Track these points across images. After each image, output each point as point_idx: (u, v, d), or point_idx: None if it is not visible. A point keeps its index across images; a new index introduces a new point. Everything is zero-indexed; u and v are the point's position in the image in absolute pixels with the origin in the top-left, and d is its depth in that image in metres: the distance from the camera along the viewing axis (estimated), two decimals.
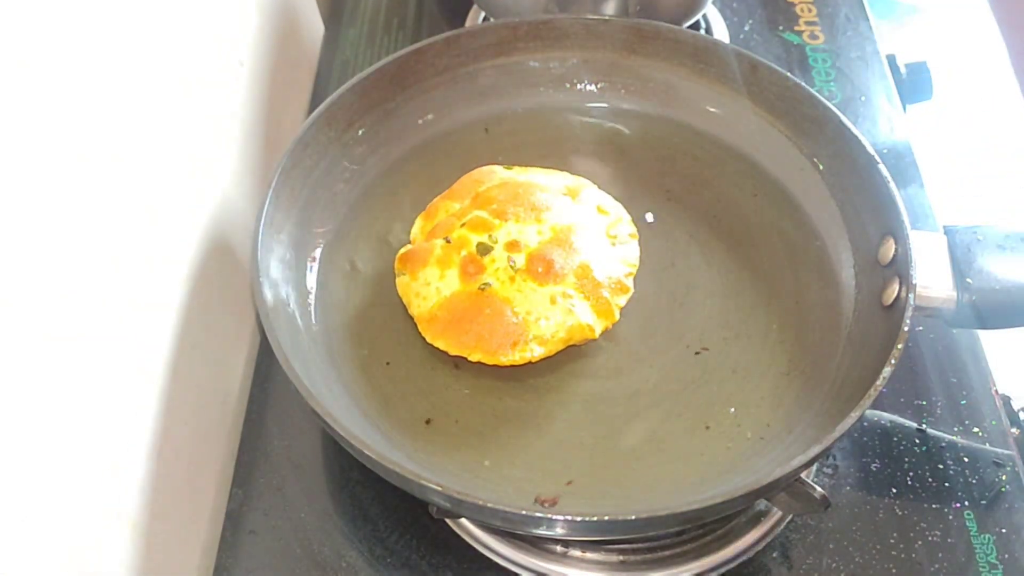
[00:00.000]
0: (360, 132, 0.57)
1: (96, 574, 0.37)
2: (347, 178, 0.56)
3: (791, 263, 0.53)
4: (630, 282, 0.50)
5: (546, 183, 0.54)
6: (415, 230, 0.54)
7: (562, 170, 0.56)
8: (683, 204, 0.57)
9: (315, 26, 0.76)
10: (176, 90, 0.47)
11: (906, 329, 0.43)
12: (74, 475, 0.36)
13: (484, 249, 0.49)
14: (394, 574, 0.47)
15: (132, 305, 0.41)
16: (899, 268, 0.46)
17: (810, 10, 0.76)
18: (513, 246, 0.49)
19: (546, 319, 0.47)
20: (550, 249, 0.49)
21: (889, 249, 0.48)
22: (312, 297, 0.51)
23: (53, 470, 0.34)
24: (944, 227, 0.49)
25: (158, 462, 0.43)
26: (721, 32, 0.73)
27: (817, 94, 0.54)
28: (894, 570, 0.46)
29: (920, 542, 0.47)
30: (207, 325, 0.50)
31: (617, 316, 0.49)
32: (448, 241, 0.50)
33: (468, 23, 0.73)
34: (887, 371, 0.41)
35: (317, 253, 0.53)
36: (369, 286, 0.53)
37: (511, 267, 0.49)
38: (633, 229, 0.53)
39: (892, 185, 0.49)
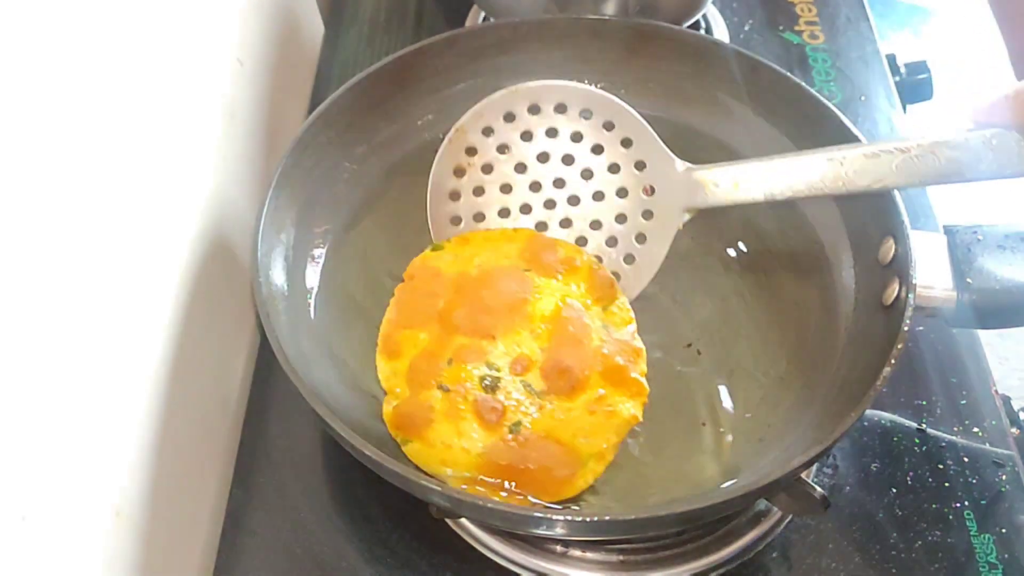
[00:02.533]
0: (360, 132, 0.56)
1: (96, 574, 0.37)
2: (347, 178, 0.56)
3: (791, 263, 0.53)
4: (639, 342, 0.47)
5: (500, 263, 0.47)
6: (385, 376, 0.46)
7: None
8: None
9: (315, 26, 0.76)
10: (176, 90, 0.47)
11: (906, 329, 0.43)
12: (74, 475, 0.36)
13: (492, 384, 0.43)
14: (394, 574, 0.47)
15: (132, 305, 0.41)
16: (899, 268, 0.46)
17: (810, 10, 0.76)
18: (519, 365, 0.44)
19: (593, 434, 0.43)
20: (559, 353, 0.44)
21: (889, 249, 0.48)
22: (312, 296, 0.51)
23: (53, 470, 0.34)
24: (944, 227, 0.49)
25: (158, 462, 0.43)
26: (721, 32, 0.73)
27: (818, 95, 0.54)
28: (894, 570, 0.46)
29: (920, 542, 0.47)
30: (207, 325, 0.50)
31: (647, 386, 0.45)
32: (445, 389, 0.44)
33: (468, 23, 0.73)
34: (887, 371, 0.41)
35: (317, 253, 0.53)
36: (369, 285, 0.53)
37: (530, 393, 0.43)
38: (596, 264, 0.48)
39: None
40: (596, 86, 0.62)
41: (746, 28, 0.74)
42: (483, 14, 0.73)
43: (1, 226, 0.31)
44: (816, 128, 0.54)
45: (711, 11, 0.74)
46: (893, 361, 0.42)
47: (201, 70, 0.51)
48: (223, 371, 0.53)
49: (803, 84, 0.55)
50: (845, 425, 0.40)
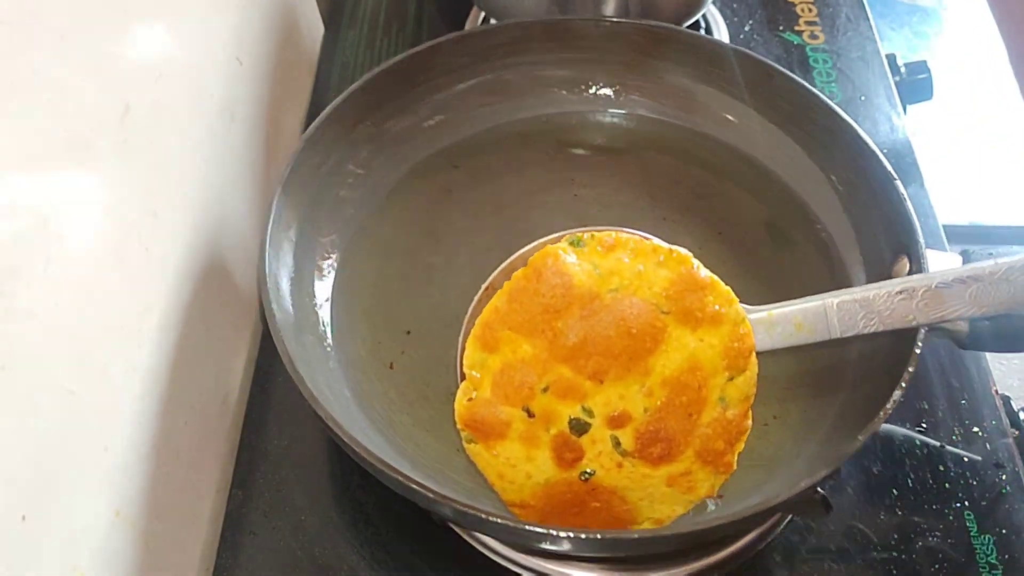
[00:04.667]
0: (367, 131, 0.56)
1: (96, 574, 0.37)
2: (351, 183, 0.55)
3: (800, 278, 0.52)
4: (749, 418, 0.42)
5: (640, 303, 0.41)
6: (471, 363, 0.42)
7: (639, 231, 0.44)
8: (694, 212, 0.55)
9: (315, 26, 0.76)
10: (174, 89, 0.47)
11: (918, 352, 0.42)
12: (74, 475, 0.36)
13: (580, 428, 0.41)
14: (394, 574, 0.47)
15: (132, 305, 0.41)
16: None
17: (810, 10, 0.76)
18: (616, 421, 0.41)
19: (661, 502, 0.40)
20: (662, 422, 0.40)
21: (903, 268, 0.46)
22: (318, 302, 0.51)
23: (53, 470, 0.34)
24: (960, 249, 0.47)
25: (158, 462, 0.43)
26: (721, 32, 0.73)
27: (833, 105, 0.52)
28: (894, 570, 0.46)
29: (920, 542, 0.47)
30: (208, 325, 0.50)
31: (736, 465, 0.42)
32: (530, 415, 0.41)
33: (468, 25, 0.73)
34: (897, 395, 0.40)
35: (323, 260, 0.52)
36: (373, 292, 0.52)
37: (617, 451, 0.41)
38: (742, 320, 0.43)
39: (908, 203, 0.47)
40: (609, 89, 0.60)
41: (746, 28, 0.74)
42: (483, 15, 0.73)
43: (1, 227, 0.32)
44: (830, 138, 0.53)
45: (711, 11, 0.74)
46: (903, 384, 0.40)
47: (200, 69, 0.51)
48: (223, 371, 0.52)
49: (818, 93, 0.53)
50: (853, 447, 0.39)
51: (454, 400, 0.46)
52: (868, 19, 0.75)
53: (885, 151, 0.64)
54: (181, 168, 0.47)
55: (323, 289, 0.51)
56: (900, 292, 0.40)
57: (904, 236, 0.47)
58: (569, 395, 0.41)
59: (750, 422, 0.42)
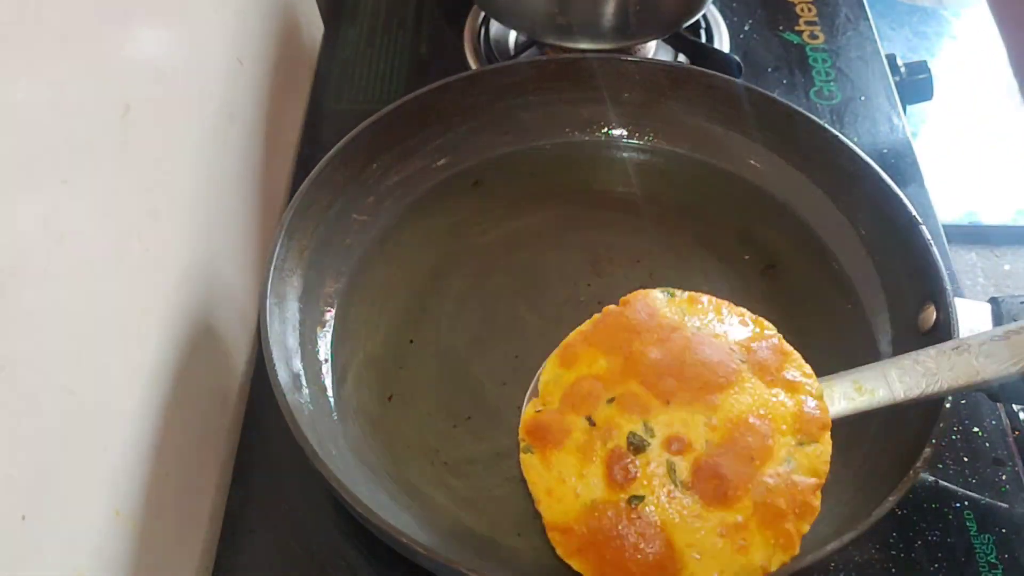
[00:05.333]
0: (377, 172, 0.55)
1: (96, 574, 0.37)
2: (357, 229, 0.54)
3: (824, 324, 0.51)
4: (818, 499, 0.40)
5: (719, 343, 0.43)
6: (546, 381, 0.44)
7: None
8: (714, 256, 0.55)
9: (315, 25, 0.76)
10: (174, 89, 0.47)
11: (948, 406, 0.41)
12: (74, 475, 0.36)
13: (637, 445, 0.40)
14: (394, 573, 0.47)
15: (132, 305, 0.41)
16: (940, 338, 0.43)
17: (810, 10, 0.76)
18: (675, 444, 0.40)
19: (708, 558, 0.38)
20: (723, 456, 0.39)
21: (929, 316, 0.45)
22: (321, 354, 0.50)
23: (53, 469, 0.34)
24: (990, 296, 0.46)
25: (158, 461, 0.43)
26: (721, 32, 0.73)
27: (856, 148, 0.51)
28: (894, 570, 0.46)
29: (920, 542, 0.47)
30: (208, 325, 0.50)
31: (799, 548, 0.39)
32: (592, 423, 0.41)
33: (468, 24, 0.73)
34: (927, 452, 0.39)
35: (327, 310, 0.52)
36: (380, 341, 0.52)
37: (671, 477, 0.40)
38: (824, 406, 0.42)
39: (934, 249, 0.46)
40: (624, 129, 0.59)
41: (746, 28, 0.74)
42: (483, 15, 0.73)
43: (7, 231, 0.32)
44: (854, 183, 0.52)
45: (711, 11, 0.74)
46: (933, 440, 0.39)
47: (200, 68, 0.51)
48: (223, 371, 0.53)
49: (840, 136, 0.52)
50: (882, 511, 0.38)
51: (461, 450, 0.47)
52: (868, 19, 0.75)
53: (885, 151, 0.65)
54: (181, 168, 0.47)
55: (326, 339, 0.51)
56: (957, 348, 0.40)
57: (930, 283, 0.46)
58: (634, 409, 0.41)
59: (819, 504, 0.40)
